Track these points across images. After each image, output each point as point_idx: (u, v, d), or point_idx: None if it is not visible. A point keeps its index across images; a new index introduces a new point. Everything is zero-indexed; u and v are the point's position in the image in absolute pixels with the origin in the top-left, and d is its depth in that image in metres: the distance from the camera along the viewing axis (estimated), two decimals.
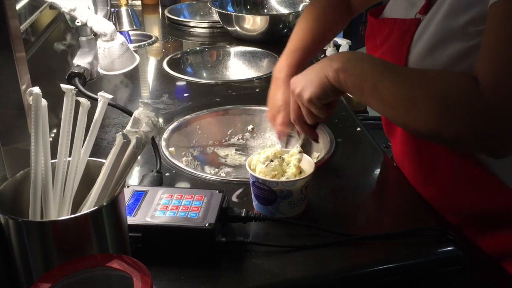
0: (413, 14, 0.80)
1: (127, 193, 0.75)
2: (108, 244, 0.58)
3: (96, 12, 1.12)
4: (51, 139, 0.61)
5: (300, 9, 1.83)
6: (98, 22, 1.04)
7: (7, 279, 0.60)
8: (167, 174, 0.93)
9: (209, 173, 1.06)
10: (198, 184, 0.90)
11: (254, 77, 1.45)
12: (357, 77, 0.74)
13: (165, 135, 1.06)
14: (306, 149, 0.94)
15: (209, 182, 0.91)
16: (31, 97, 0.57)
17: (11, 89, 0.64)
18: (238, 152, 1.15)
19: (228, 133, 1.18)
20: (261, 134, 1.18)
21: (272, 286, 0.68)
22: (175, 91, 1.33)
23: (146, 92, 1.36)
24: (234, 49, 1.67)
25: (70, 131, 0.61)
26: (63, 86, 0.62)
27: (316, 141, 0.94)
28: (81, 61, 1.02)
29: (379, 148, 1.03)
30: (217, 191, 0.76)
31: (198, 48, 1.69)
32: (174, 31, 1.90)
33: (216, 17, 1.84)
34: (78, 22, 1.02)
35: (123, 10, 1.95)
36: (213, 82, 1.43)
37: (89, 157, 0.63)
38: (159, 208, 0.72)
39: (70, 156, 0.62)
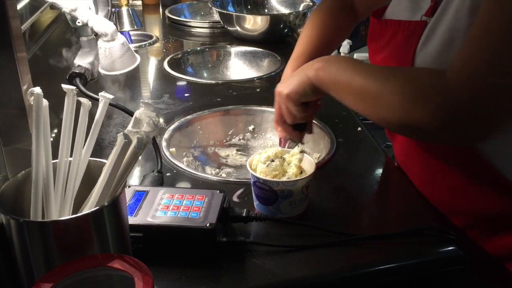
0: (418, 16, 0.80)
1: (128, 193, 0.75)
2: (110, 244, 0.58)
3: (97, 12, 1.12)
4: (52, 139, 0.61)
5: (301, 9, 1.83)
6: (99, 22, 1.04)
7: (8, 279, 0.60)
8: (168, 174, 0.93)
9: (210, 173, 1.06)
10: (199, 184, 0.90)
11: (255, 77, 1.45)
12: (333, 74, 0.78)
13: (166, 135, 1.06)
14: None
15: (210, 183, 0.91)
16: (32, 97, 0.57)
17: (12, 89, 0.64)
18: (239, 153, 1.15)
19: (229, 133, 1.18)
20: (262, 134, 1.18)
21: (273, 286, 0.68)
22: (176, 91, 1.33)
23: (147, 92, 1.36)
24: (234, 49, 1.67)
25: (71, 131, 0.61)
26: (64, 86, 0.62)
27: (300, 142, 0.95)
28: (82, 61, 1.02)
29: (379, 148, 1.03)
30: (218, 191, 0.76)
31: (198, 48, 1.70)
32: (175, 31, 1.90)
33: (216, 17, 1.84)
34: (79, 22, 1.02)
35: (124, 10, 1.95)
36: (213, 82, 1.43)
37: (90, 157, 0.63)
38: (160, 208, 0.72)
39: (71, 156, 0.62)
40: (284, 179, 0.78)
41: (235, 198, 0.86)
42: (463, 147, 0.78)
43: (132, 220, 0.69)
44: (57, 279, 0.50)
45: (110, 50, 1.07)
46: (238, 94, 1.30)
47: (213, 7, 1.82)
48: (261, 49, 1.63)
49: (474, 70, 0.61)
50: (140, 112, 0.59)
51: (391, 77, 0.70)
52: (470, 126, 0.63)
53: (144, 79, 1.46)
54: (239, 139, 1.18)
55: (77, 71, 0.99)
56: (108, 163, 0.58)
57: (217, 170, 1.09)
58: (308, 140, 1.10)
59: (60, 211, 0.60)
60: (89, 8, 1.05)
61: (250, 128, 1.18)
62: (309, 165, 0.82)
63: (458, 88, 0.62)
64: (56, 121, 0.70)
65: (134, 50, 1.21)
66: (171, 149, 1.02)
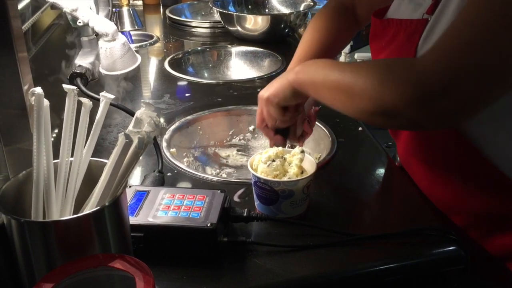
0: (419, 14, 0.80)
1: (129, 193, 0.75)
2: (110, 244, 0.58)
3: (97, 12, 1.12)
4: (53, 139, 0.61)
5: (301, 8, 1.83)
6: (100, 22, 1.04)
7: (9, 279, 0.60)
8: (168, 174, 0.93)
9: (210, 173, 1.06)
10: (199, 184, 0.90)
11: (256, 77, 1.45)
12: (311, 74, 0.80)
13: (166, 136, 1.05)
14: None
15: (210, 183, 0.91)
16: (33, 97, 0.57)
17: (13, 89, 0.64)
18: (240, 153, 1.15)
19: (230, 133, 1.18)
20: (262, 135, 1.18)
21: (274, 286, 0.68)
22: (177, 91, 1.33)
23: (147, 92, 1.36)
24: (235, 49, 1.67)
25: (72, 131, 0.61)
26: (65, 86, 0.62)
27: (282, 146, 0.95)
28: (83, 61, 1.02)
29: (380, 148, 1.03)
30: (219, 191, 0.76)
31: (199, 48, 1.70)
32: (176, 31, 1.90)
33: (217, 17, 1.84)
34: (79, 22, 1.02)
35: (125, 10, 1.95)
36: (214, 82, 1.43)
37: (91, 157, 0.63)
38: (161, 208, 0.72)
39: (72, 156, 0.62)
40: (285, 179, 0.77)
41: (236, 198, 0.86)
42: (464, 147, 0.78)
43: (133, 220, 0.69)
44: (58, 279, 0.50)
45: (111, 50, 1.07)
46: (239, 94, 1.30)
47: (213, 7, 1.82)
48: (261, 49, 1.63)
49: (448, 54, 0.62)
50: (141, 112, 0.59)
51: (364, 68, 0.72)
52: (441, 106, 0.63)
53: (145, 79, 1.46)
54: (240, 139, 1.18)
55: (78, 71, 0.99)
56: (109, 163, 0.58)
57: (218, 170, 1.09)
58: (309, 140, 1.11)
59: (61, 211, 0.60)
60: (90, 8, 1.05)
61: (251, 128, 1.18)
62: (310, 165, 0.82)
63: (430, 69, 0.62)
64: (57, 121, 0.70)
65: (135, 50, 1.21)
66: (171, 150, 1.02)
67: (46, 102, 0.59)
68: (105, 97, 0.63)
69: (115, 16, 1.88)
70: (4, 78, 0.63)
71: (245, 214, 0.75)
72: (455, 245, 0.74)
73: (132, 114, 0.96)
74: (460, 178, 0.83)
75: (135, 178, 0.92)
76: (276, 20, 1.68)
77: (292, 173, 0.78)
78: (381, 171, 0.96)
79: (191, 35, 1.87)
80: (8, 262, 0.58)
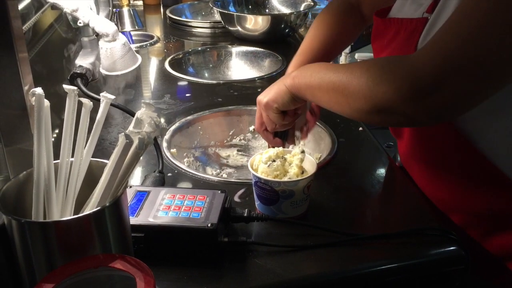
0: (420, 13, 0.80)
1: (130, 194, 0.75)
2: (111, 245, 0.58)
3: (98, 13, 1.12)
4: (53, 139, 0.61)
5: (302, 8, 1.83)
6: (100, 23, 1.04)
7: (10, 279, 0.60)
8: (169, 174, 0.93)
9: (211, 174, 1.06)
10: (200, 184, 0.90)
11: (256, 77, 1.45)
12: (307, 78, 0.81)
13: (166, 136, 1.05)
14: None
15: (211, 183, 0.91)
16: (34, 97, 0.57)
17: (13, 90, 0.64)
18: (240, 153, 1.15)
19: (230, 133, 1.18)
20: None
21: (274, 286, 0.68)
22: (177, 91, 1.33)
23: (148, 92, 1.36)
24: (235, 49, 1.67)
25: (72, 131, 0.61)
26: (65, 86, 0.62)
27: (282, 146, 0.97)
28: (83, 61, 1.02)
29: (381, 148, 1.03)
30: (219, 191, 0.76)
31: (199, 48, 1.70)
32: (176, 31, 1.90)
33: (217, 17, 1.84)
34: (80, 23, 1.03)
35: (125, 10, 1.95)
36: (215, 82, 1.43)
37: (92, 157, 0.63)
38: (162, 208, 0.72)
39: (72, 156, 0.62)
40: (286, 179, 0.78)
41: (236, 198, 0.86)
42: (464, 146, 0.78)
43: (133, 220, 0.69)
44: (58, 279, 0.50)
45: (111, 50, 1.07)
46: (239, 94, 1.30)
47: (214, 7, 1.82)
48: (262, 49, 1.63)
49: (443, 50, 0.62)
50: (141, 113, 0.59)
51: (358, 67, 0.72)
52: (435, 101, 0.63)
53: (145, 79, 1.46)
54: (240, 140, 1.18)
55: (78, 72, 0.99)
56: (110, 163, 0.58)
57: (218, 170, 1.09)
58: (309, 140, 1.11)
59: (62, 211, 0.60)
60: (90, 9, 1.05)
61: (251, 128, 1.18)
62: (310, 165, 0.82)
63: (424, 65, 0.63)
64: (57, 122, 0.70)
65: (135, 50, 1.21)
66: (172, 150, 1.02)
67: (46, 103, 0.59)
68: (106, 97, 0.63)
69: (116, 17, 1.88)
70: (4, 78, 0.63)
71: (245, 214, 0.75)
72: (455, 245, 0.74)
73: (132, 114, 0.96)
74: (460, 178, 0.83)
75: (136, 178, 0.92)
76: (277, 20, 1.68)
77: (292, 173, 0.78)
78: (381, 171, 0.96)
79: (191, 35, 1.87)
80: (9, 263, 0.58)
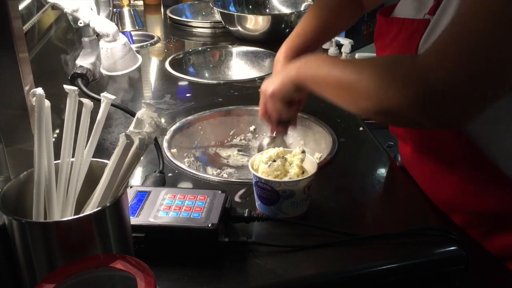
0: (422, 14, 0.80)
1: (130, 194, 0.75)
2: (112, 245, 0.58)
3: (98, 13, 1.12)
4: (54, 139, 0.61)
5: (302, 8, 1.83)
6: (101, 23, 1.04)
7: (10, 279, 0.60)
8: (169, 174, 0.93)
9: (211, 174, 1.06)
10: (200, 184, 0.90)
11: (256, 77, 1.45)
12: (313, 70, 0.82)
13: (167, 136, 1.06)
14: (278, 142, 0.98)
15: (211, 183, 0.91)
16: (34, 98, 0.57)
17: (14, 90, 0.64)
18: (241, 153, 1.15)
19: (230, 133, 1.18)
20: (263, 135, 1.18)
21: (275, 286, 0.68)
22: (177, 91, 1.33)
23: (148, 93, 1.36)
24: (236, 49, 1.67)
25: (73, 131, 0.61)
26: (66, 87, 0.62)
27: (285, 135, 1.00)
28: (83, 61, 1.02)
29: (381, 148, 1.03)
30: (219, 191, 0.76)
31: (200, 48, 1.70)
32: (176, 31, 1.90)
33: (218, 17, 1.84)
34: (80, 23, 1.02)
35: (125, 10, 1.95)
36: (215, 82, 1.43)
37: (92, 157, 0.63)
38: (162, 209, 0.72)
39: (73, 156, 0.62)
40: (286, 179, 0.78)
41: (236, 199, 0.86)
42: (465, 147, 0.78)
43: (134, 220, 0.69)
44: (59, 279, 0.50)
45: (112, 50, 1.07)
46: (240, 94, 1.30)
47: (214, 7, 1.82)
48: (262, 49, 1.63)
49: (454, 53, 0.61)
50: (142, 113, 0.59)
51: (366, 66, 0.72)
52: (444, 107, 0.63)
53: (145, 79, 1.46)
54: (241, 140, 1.18)
55: (79, 72, 0.99)
56: (110, 163, 0.58)
57: (219, 170, 1.09)
58: (310, 140, 1.11)
59: (62, 211, 0.60)
60: (91, 9, 1.05)
61: (251, 128, 1.18)
62: (310, 165, 0.82)
63: (433, 70, 0.62)
64: (58, 122, 0.70)
65: (136, 51, 1.21)
66: (172, 150, 1.02)
67: (47, 103, 0.59)
68: (106, 97, 0.63)
69: (116, 17, 1.88)
70: (5, 78, 0.63)
71: (246, 214, 0.75)
72: (456, 245, 0.74)
73: (133, 114, 0.96)
74: (461, 178, 0.83)
75: (136, 178, 0.92)
76: (277, 20, 1.68)
77: (293, 173, 0.78)
78: (382, 171, 0.96)
79: (191, 35, 1.87)
80: (9, 263, 0.58)
